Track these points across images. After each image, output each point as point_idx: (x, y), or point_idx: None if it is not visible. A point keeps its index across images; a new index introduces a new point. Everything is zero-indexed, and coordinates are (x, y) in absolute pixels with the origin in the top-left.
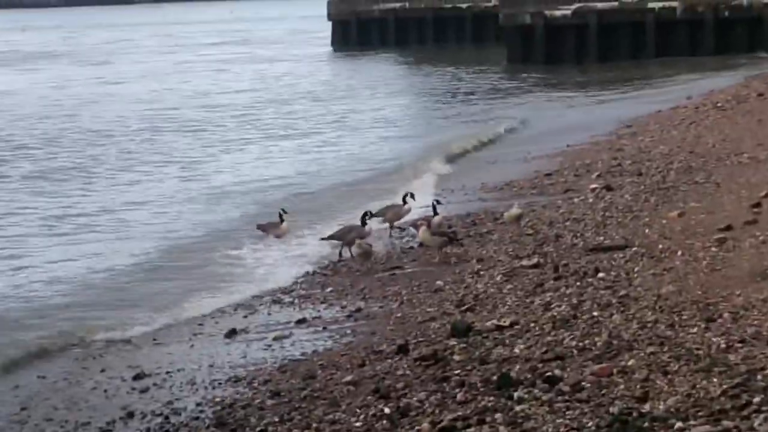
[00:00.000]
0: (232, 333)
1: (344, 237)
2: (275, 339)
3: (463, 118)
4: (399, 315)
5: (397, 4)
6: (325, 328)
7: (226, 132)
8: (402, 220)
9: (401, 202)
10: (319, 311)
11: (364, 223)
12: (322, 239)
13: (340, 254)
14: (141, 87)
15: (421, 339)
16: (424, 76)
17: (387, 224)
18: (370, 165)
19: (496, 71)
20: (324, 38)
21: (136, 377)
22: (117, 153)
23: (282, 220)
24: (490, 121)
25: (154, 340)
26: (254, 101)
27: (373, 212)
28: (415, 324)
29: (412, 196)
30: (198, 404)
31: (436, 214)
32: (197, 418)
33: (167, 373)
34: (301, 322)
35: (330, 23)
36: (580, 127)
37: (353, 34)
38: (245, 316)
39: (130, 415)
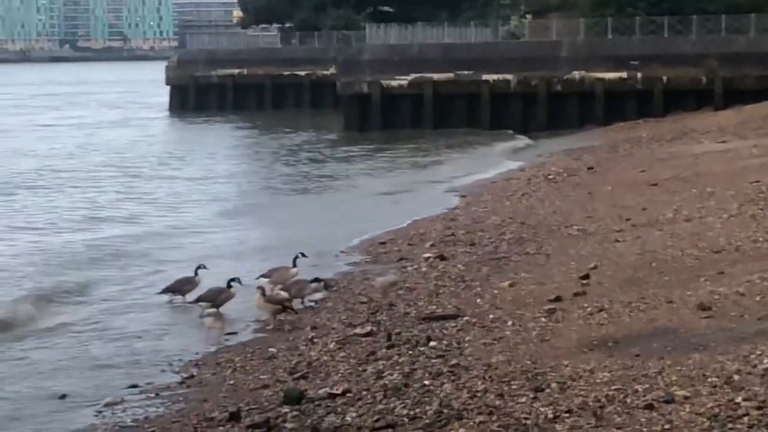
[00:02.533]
0: (63, 397)
1: (215, 299)
2: (106, 405)
3: (295, 183)
4: (232, 382)
5: (236, 70)
6: (157, 394)
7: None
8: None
9: (291, 264)
10: (151, 376)
11: (229, 285)
12: (191, 302)
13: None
14: None
15: (253, 406)
16: (262, 142)
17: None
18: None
19: (333, 138)
20: (162, 103)
21: None
22: None
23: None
24: (321, 187)
25: None
26: (88, 169)
27: (262, 273)
28: (247, 391)
29: (304, 255)
30: None
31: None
32: None
33: None
34: (133, 387)
35: (168, 88)
36: (416, 195)
37: (191, 99)
38: (77, 380)
39: None
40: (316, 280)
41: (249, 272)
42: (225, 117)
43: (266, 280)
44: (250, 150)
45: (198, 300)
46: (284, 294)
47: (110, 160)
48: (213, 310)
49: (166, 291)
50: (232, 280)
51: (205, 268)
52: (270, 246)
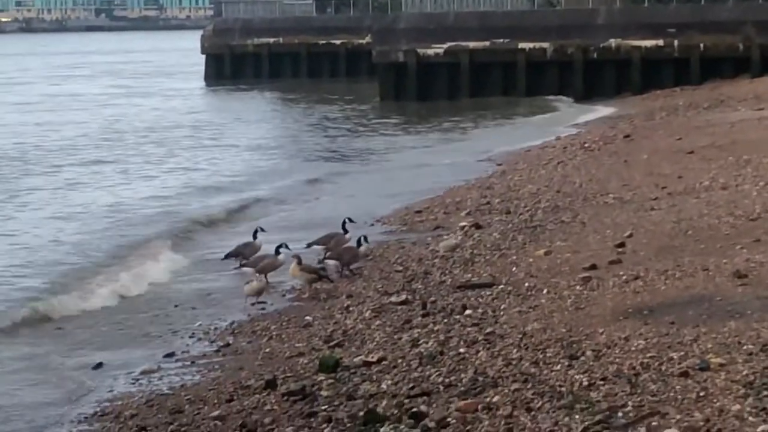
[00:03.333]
0: (98, 366)
1: (257, 264)
2: (143, 373)
3: (333, 153)
4: (267, 350)
5: (271, 39)
6: (193, 362)
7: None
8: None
9: (342, 231)
10: (187, 345)
11: (278, 252)
12: (236, 268)
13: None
14: (11, 118)
15: (289, 374)
16: (299, 112)
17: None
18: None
19: (369, 108)
20: (198, 72)
21: None
22: None
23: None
24: (359, 157)
25: None
26: (121, 137)
27: (312, 241)
28: (283, 359)
29: (351, 220)
30: None
31: (346, 232)
32: None
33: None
34: (169, 356)
35: (203, 57)
36: (452, 164)
37: (227, 69)
38: (113, 350)
39: None
40: (362, 239)
41: (290, 241)
42: (261, 86)
43: (321, 247)
44: (287, 121)
45: (242, 266)
46: (333, 262)
47: (149, 130)
48: (252, 277)
49: (228, 256)
50: (280, 246)
51: (263, 231)
52: (309, 215)
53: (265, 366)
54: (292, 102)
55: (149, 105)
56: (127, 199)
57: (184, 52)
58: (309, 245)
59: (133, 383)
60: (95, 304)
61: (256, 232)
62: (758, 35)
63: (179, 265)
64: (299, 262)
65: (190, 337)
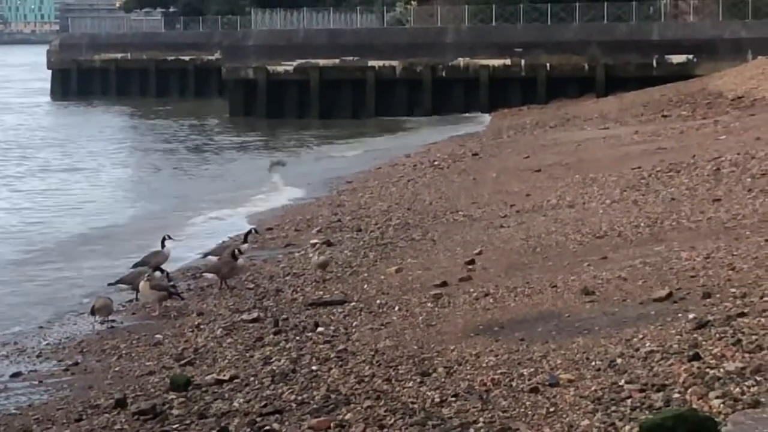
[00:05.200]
0: None
1: (135, 282)
2: None
3: (182, 173)
4: (117, 369)
5: (119, 55)
6: (41, 381)
7: None
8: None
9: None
10: (35, 364)
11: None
12: (110, 284)
13: (137, 299)
14: None
15: (139, 393)
16: (146, 129)
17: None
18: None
19: (217, 125)
20: (43, 88)
21: None
22: None
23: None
24: (205, 176)
25: None
26: None
27: (206, 251)
28: (133, 378)
29: (256, 231)
30: None
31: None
32: None
33: None
34: (16, 375)
35: (49, 72)
36: (302, 182)
37: (73, 84)
38: None
39: None
40: (236, 252)
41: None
42: (108, 103)
43: (215, 258)
44: (134, 140)
45: (118, 282)
46: (211, 275)
47: None
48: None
49: (136, 266)
50: (158, 269)
51: (170, 238)
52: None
53: (114, 385)
54: (140, 119)
55: None
56: None
57: (29, 67)
58: (204, 256)
59: None
60: None
61: (163, 240)
62: (603, 55)
63: (29, 287)
64: (149, 280)
65: (38, 356)
